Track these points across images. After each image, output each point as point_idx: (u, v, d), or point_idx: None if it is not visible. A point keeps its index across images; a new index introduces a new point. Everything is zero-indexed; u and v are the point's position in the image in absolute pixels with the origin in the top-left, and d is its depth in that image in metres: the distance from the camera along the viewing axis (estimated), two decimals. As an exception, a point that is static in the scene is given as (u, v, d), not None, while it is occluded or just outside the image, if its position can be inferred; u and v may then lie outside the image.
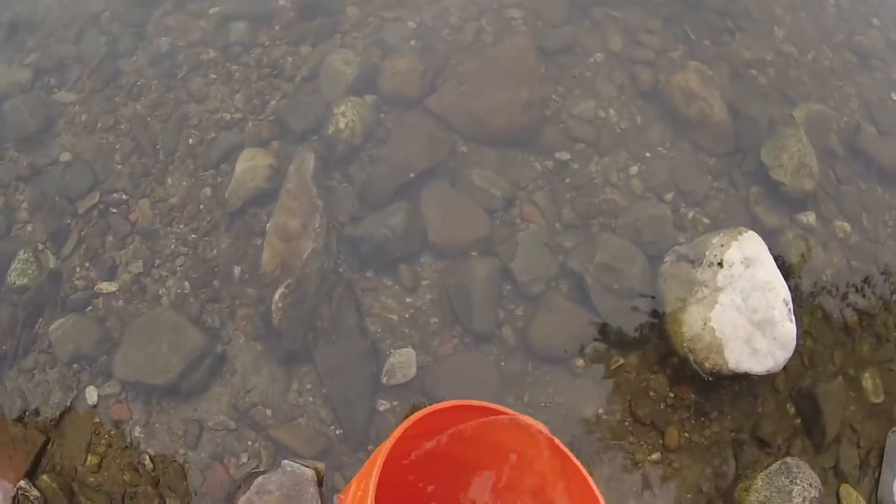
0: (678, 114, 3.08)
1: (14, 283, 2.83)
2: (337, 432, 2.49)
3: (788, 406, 2.72)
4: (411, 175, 2.80)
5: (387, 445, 1.68)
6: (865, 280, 3.02)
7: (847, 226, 3.07)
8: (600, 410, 2.55)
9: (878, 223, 3.15)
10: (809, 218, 3.02)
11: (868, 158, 3.24)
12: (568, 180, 2.93)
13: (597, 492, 1.86)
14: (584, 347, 2.63)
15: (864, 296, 2.99)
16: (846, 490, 2.67)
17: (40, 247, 2.93)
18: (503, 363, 2.59)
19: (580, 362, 2.61)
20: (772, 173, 3.00)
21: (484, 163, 2.90)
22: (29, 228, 2.98)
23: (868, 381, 2.85)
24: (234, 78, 3.14)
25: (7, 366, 2.73)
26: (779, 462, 2.54)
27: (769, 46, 3.42)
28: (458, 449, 2.04)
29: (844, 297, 2.97)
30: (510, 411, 2.00)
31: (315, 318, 2.62)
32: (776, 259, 2.81)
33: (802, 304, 2.87)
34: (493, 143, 2.95)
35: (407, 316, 2.66)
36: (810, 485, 2.49)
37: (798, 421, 2.71)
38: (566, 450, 1.94)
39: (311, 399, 2.56)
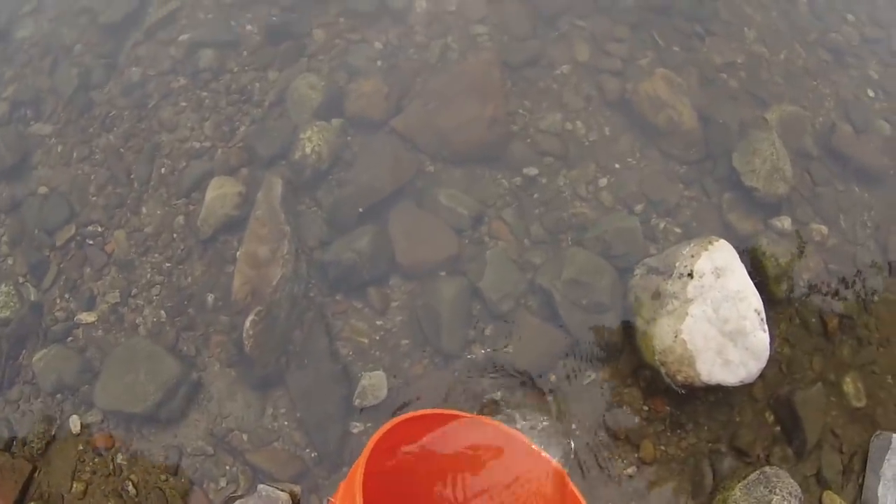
0: (647, 123, 3.06)
1: (-3, 316, 2.88)
2: (312, 455, 2.51)
3: (767, 414, 2.70)
4: (378, 197, 2.81)
5: (368, 448, 1.74)
6: (844, 282, 2.99)
7: (824, 228, 3.04)
8: (573, 426, 2.54)
9: (857, 224, 3.11)
10: (784, 222, 2.99)
11: (844, 158, 3.20)
12: (536, 195, 2.93)
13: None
14: (555, 363, 2.62)
15: (843, 299, 2.96)
16: (829, 497, 2.64)
17: (21, 280, 2.97)
18: (474, 382, 2.59)
19: (552, 378, 2.60)
20: (744, 179, 2.97)
21: (451, 182, 2.91)
22: (10, 262, 3.03)
23: (849, 385, 2.83)
24: (204, 105, 3.16)
25: (-6, 397, 2.78)
26: (757, 472, 2.52)
27: (739, 48, 3.39)
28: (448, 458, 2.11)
29: (823, 301, 2.94)
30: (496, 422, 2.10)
31: (287, 343, 2.64)
32: (751, 266, 2.81)
33: (779, 310, 2.85)
34: (460, 162, 2.95)
35: (377, 338, 2.67)
36: (790, 493, 2.47)
37: (777, 429, 2.69)
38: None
39: (285, 423, 2.58)
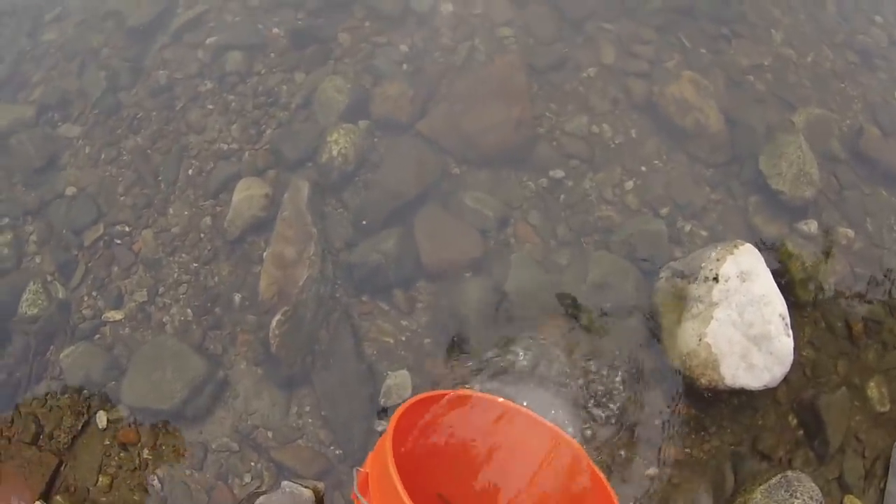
0: (673, 125, 3.06)
1: (26, 314, 2.93)
2: (336, 453, 2.54)
3: (790, 418, 2.69)
4: (403, 199, 2.82)
5: (394, 419, 1.75)
6: (870, 286, 2.97)
7: (850, 232, 3.02)
8: (596, 428, 2.54)
9: (883, 227, 3.09)
10: (811, 226, 2.98)
11: (871, 161, 3.18)
12: (562, 198, 2.93)
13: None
14: (579, 365, 2.62)
15: (869, 302, 2.94)
16: (850, 501, 2.62)
17: (49, 278, 3.01)
18: (498, 383, 2.59)
19: (576, 380, 2.60)
20: (770, 182, 2.96)
21: (476, 184, 2.91)
22: (38, 260, 3.06)
23: (874, 389, 2.80)
24: (231, 108, 3.19)
25: (22, 392, 2.82)
26: (778, 475, 2.51)
27: (767, 51, 3.38)
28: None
29: (848, 305, 2.92)
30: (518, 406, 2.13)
31: (313, 342, 2.66)
32: (777, 270, 2.79)
33: (805, 313, 2.84)
34: (486, 164, 2.95)
35: (402, 339, 2.68)
36: (811, 498, 2.45)
37: (800, 433, 2.67)
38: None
39: (310, 421, 2.61)
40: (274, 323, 2.62)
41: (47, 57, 3.53)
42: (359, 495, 1.62)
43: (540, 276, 2.74)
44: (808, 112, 3.20)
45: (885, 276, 3.00)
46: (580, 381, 2.60)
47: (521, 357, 2.61)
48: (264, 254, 2.78)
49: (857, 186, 3.14)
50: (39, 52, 3.56)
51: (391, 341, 2.67)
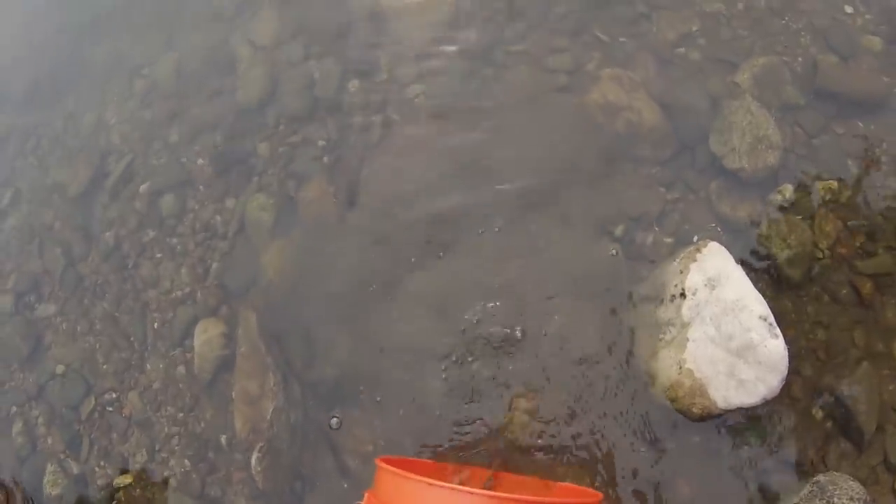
0: (605, 132, 2.84)
1: (51, 494, 3.09)
2: (341, 574, 2.51)
3: (814, 412, 2.45)
4: (349, 301, 2.76)
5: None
6: (870, 236, 2.66)
7: (833, 183, 2.72)
8: (595, 483, 2.39)
9: (870, 163, 2.77)
10: (785, 193, 2.71)
11: (835, 95, 2.84)
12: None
13: None
14: (566, 425, 2.48)
15: (872, 255, 2.63)
16: (902, 484, 2.37)
17: (62, 456, 3.15)
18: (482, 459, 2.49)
19: (569, 441, 2.46)
20: (725, 162, 2.72)
21: (421, 267, 2.78)
22: (49, 441, 3.20)
23: (901, 351, 2.53)
24: (176, 251, 3.21)
25: (66, 571, 2.96)
26: (809, 485, 2.29)
27: (692, 14, 3.08)
28: None
29: (850, 265, 2.63)
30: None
31: (298, 467, 2.66)
32: (758, 256, 2.59)
33: (802, 293, 2.58)
34: (426, 243, 2.81)
35: (381, 442, 2.61)
36: (851, 498, 2.23)
37: (829, 425, 2.43)
38: None
39: (314, 546, 2.60)
40: (253, 461, 2.63)
41: (13, 242, 3.66)
42: None
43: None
44: (751, 65, 2.90)
45: (884, 217, 2.69)
46: (571, 448, 2.45)
47: (504, 431, 2.49)
48: (232, 393, 2.78)
49: (828, 129, 2.82)
50: (4, 239, 3.70)
51: (371, 447, 2.61)
